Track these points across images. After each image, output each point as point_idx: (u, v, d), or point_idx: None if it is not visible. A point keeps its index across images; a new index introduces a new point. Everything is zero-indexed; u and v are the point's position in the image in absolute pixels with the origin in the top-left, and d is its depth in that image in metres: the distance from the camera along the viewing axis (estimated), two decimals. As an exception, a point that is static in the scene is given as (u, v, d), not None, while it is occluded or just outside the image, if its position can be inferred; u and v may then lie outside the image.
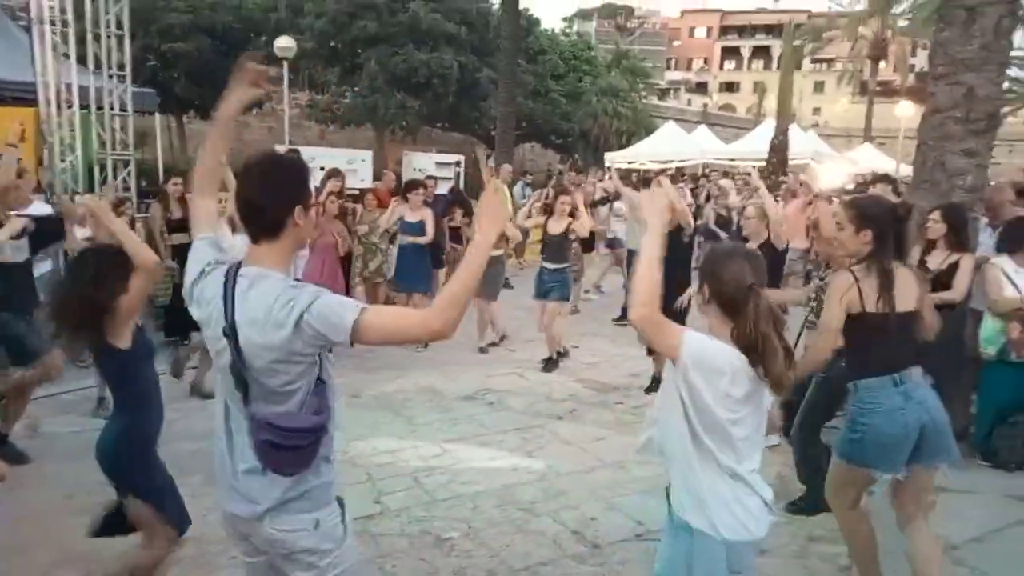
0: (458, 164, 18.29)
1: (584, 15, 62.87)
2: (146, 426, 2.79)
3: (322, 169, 8.74)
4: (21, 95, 9.89)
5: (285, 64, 15.66)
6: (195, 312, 1.91)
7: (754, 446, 2.13)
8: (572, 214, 6.68)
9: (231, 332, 1.79)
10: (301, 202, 1.87)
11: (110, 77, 8.93)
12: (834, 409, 4.07)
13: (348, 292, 8.43)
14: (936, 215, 4.83)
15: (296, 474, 1.86)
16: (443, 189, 11.73)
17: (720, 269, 2.13)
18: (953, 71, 5.05)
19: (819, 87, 57.88)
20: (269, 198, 1.83)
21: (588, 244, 9.31)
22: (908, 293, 3.00)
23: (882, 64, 36.79)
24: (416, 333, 1.82)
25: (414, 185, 7.78)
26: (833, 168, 17.33)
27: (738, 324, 2.03)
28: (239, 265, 1.87)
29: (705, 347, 2.06)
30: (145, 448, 2.77)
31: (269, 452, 1.82)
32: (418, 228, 7.46)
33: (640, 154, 21.76)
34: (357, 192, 10.04)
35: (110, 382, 2.89)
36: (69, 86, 8.67)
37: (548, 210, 7.07)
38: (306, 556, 1.90)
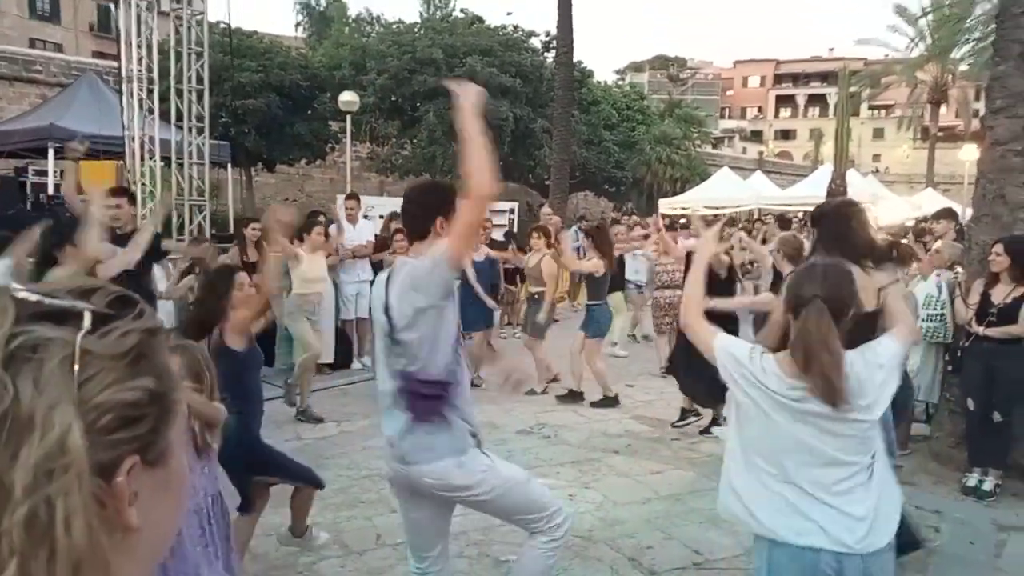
0: (512, 211, 18.66)
1: (636, 67, 63.88)
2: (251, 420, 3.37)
3: (381, 217, 9.08)
4: (109, 148, 10.66)
5: (348, 118, 16.39)
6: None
7: None
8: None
9: None
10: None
11: (190, 130, 9.56)
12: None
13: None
14: (999, 248, 4.78)
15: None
16: (498, 235, 12.06)
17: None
18: (1011, 104, 5.05)
19: (879, 133, 57.09)
20: None
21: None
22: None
23: (943, 109, 36.20)
24: (471, 210, 2.38)
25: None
26: (893, 206, 17.10)
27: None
28: None
29: None
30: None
31: None
32: (485, 265, 7.63)
33: (694, 200, 21.75)
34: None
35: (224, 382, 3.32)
36: (152, 139, 9.33)
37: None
38: None
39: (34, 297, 0.53)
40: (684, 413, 6.15)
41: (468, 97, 2.37)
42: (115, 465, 0.52)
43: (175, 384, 0.58)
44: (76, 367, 0.50)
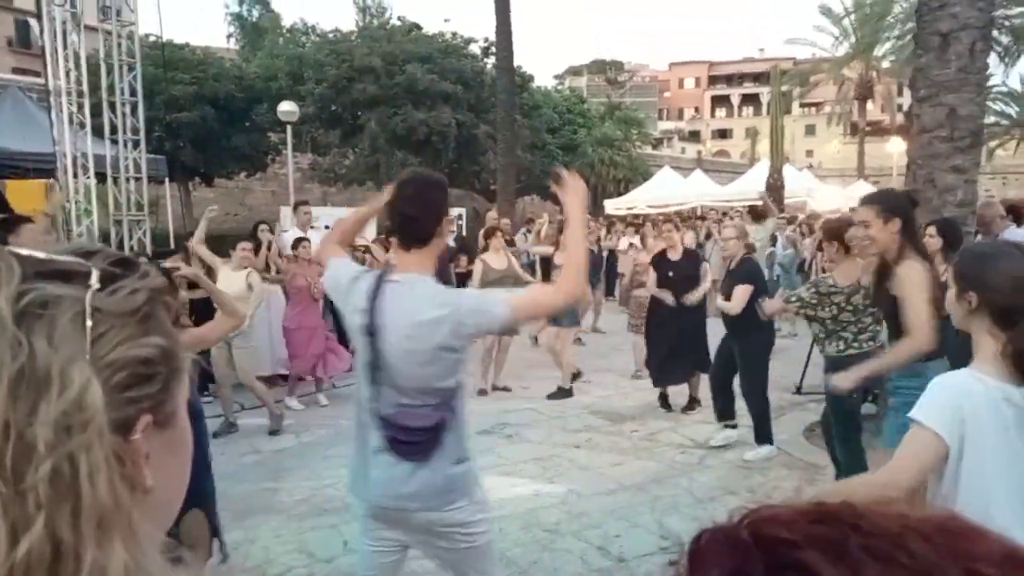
0: (460, 217, 18.69)
1: (575, 71, 64.56)
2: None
3: (327, 227, 8.92)
4: (38, 166, 10.26)
5: (288, 128, 16.15)
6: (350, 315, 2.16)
7: None
8: None
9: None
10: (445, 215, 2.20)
11: (125, 144, 9.29)
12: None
13: (341, 336, 8.60)
14: (931, 230, 5.00)
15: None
16: (449, 239, 12.10)
17: (992, 275, 1.76)
18: (935, 93, 5.31)
19: (810, 130, 58.99)
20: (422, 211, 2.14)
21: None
22: None
23: (869, 105, 37.71)
24: (554, 299, 2.18)
25: None
26: (827, 196, 17.97)
27: (1014, 338, 1.69)
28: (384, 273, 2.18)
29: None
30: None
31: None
32: None
33: (638, 199, 22.13)
34: (363, 247, 10.25)
35: None
36: (85, 154, 9.02)
37: (556, 243, 7.35)
38: None
39: (40, 255, 0.52)
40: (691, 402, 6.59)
41: (576, 192, 2.29)
42: (131, 423, 0.52)
43: (181, 345, 0.58)
44: (88, 324, 0.50)
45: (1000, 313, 1.72)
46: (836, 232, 4.21)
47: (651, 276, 6.60)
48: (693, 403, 6.48)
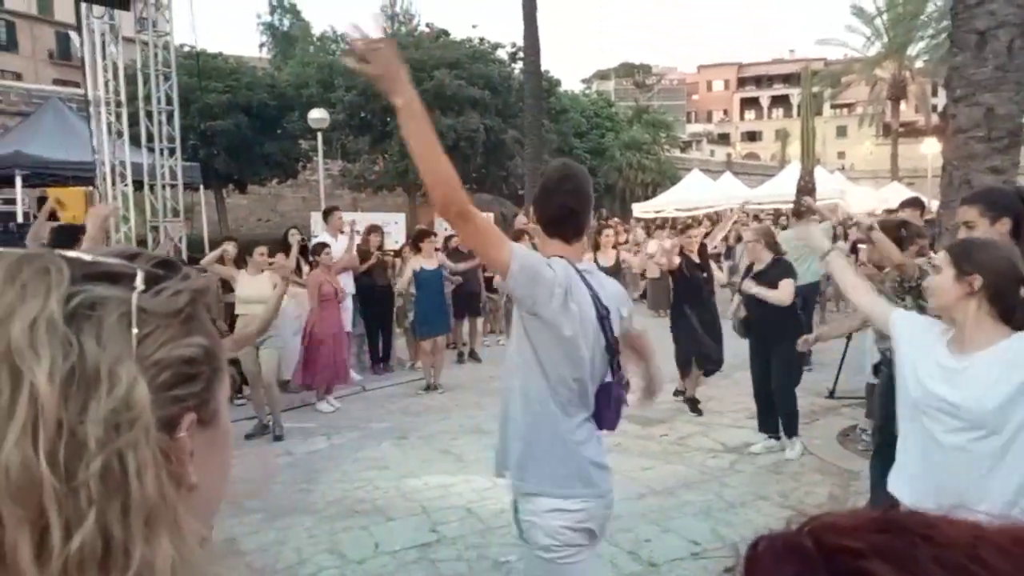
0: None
1: (602, 75, 64.50)
2: None
3: (358, 232, 9.00)
4: (78, 174, 10.54)
5: (319, 135, 16.36)
6: (571, 307, 2.01)
7: None
8: (616, 246, 7.08)
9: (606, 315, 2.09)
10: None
11: (161, 152, 9.50)
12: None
13: (389, 342, 8.66)
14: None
15: None
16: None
17: (995, 260, 1.96)
18: (971, 92, 5.20)
19: (842, 131, 58.17)
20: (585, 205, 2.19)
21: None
22: None
23: (903, 105, 37.05)
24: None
25: (425, 234, 7.79)
26: (860, 197, 17.69)
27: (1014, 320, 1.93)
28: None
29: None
30: None
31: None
32: (437, 274, 7.58)
33: (667, 202, 22.00)
34: (392, 252, 10.33)
35: None
36: (123, 162, 9.25)
37: (595, 246, 7.29)
38: None
39: (87, 257, 0.53)
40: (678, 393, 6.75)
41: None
42: (176, 421, 0.53)
43: (222, 344, 0.60)
44: (134, 325, 0.51)
45: (999, 295, 1.91)
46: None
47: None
48: (681, 393, 6.72)
